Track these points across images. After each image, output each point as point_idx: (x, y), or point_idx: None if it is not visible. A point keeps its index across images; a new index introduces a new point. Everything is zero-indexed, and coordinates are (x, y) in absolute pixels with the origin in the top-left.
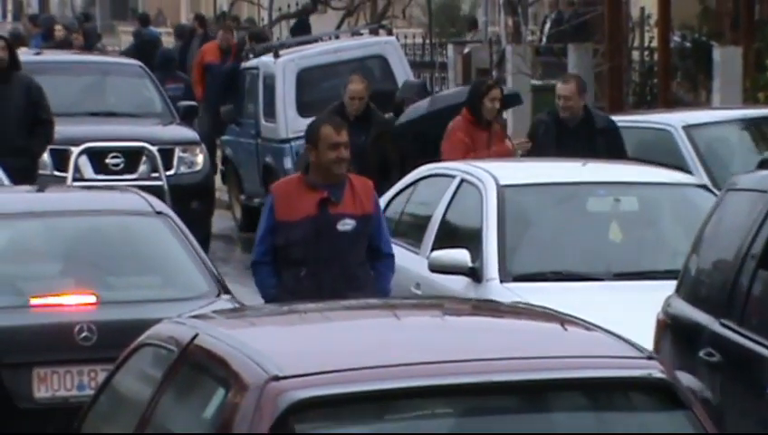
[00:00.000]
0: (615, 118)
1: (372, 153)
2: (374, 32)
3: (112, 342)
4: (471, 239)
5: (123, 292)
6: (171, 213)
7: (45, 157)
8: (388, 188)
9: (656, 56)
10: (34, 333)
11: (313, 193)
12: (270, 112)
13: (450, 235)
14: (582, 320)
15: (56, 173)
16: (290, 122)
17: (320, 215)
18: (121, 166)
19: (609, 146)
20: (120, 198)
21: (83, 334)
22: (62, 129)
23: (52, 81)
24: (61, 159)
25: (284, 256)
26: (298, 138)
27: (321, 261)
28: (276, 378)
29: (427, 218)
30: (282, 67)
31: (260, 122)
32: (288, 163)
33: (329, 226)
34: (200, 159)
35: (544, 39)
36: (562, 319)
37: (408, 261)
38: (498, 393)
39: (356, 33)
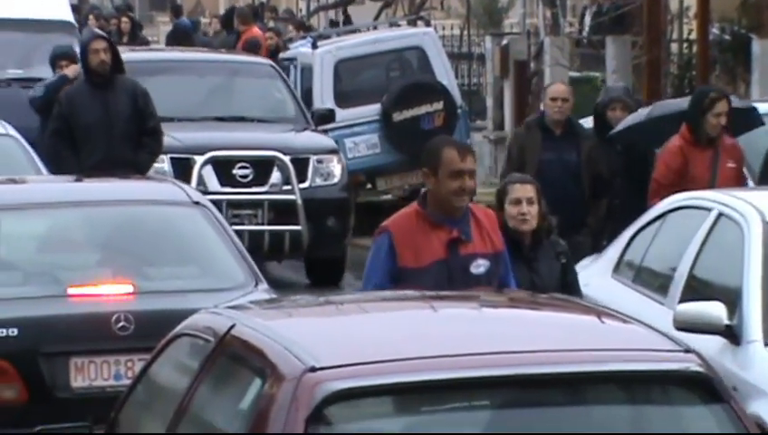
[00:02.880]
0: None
1: (587, 172)
2: (412, 23)
3: (149, 332)
4: (729, 289)
5: (160, 282)
6: (208, 203)
7: (165, 166)
8: (599, 211)
9: (694, 48)
10: (72, 323)
11: (439, 231)
12: (307, 103)
13: (703, 283)
14: (620, 312)
15: None
16: None
17: (451, 258)
18: (250, 177)
19: None
20: (157, 187)
21: (120, 324)
22: (184, 135)
23: (174, 81)
24: (183, 170)
25: None
26: (336, 129)
27: None
28: (313, 369)
29: (676, 261)
30: (320, 58)
31: None
32: None
33: (462, 270)
34: (338, 169)
35: (583, 31)
36: (600, 311)
37: (650, 313)
38: (535, 386)
39: (394, 25)
